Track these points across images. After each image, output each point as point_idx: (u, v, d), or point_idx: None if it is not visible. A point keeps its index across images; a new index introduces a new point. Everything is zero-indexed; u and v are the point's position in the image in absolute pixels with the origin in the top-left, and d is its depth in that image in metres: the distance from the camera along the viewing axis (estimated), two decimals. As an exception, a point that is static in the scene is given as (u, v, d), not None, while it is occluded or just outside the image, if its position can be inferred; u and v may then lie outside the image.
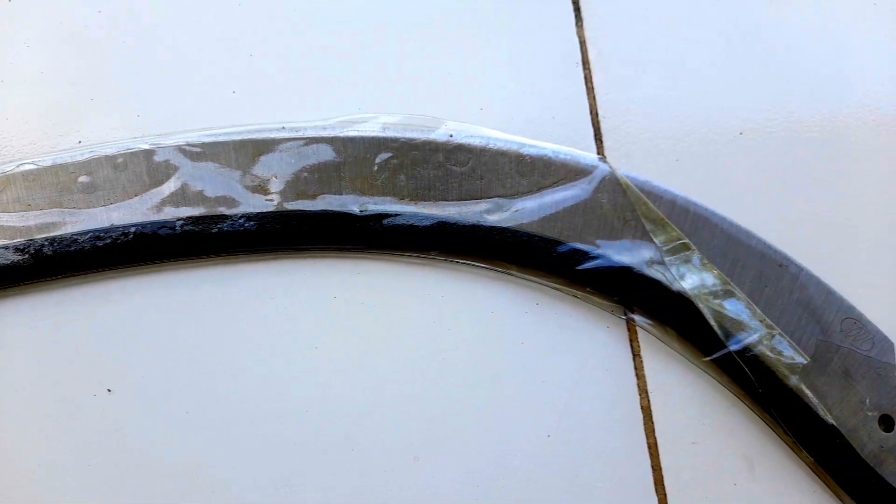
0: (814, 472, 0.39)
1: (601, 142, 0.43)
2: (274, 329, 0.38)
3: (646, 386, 0.40)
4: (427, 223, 0.40)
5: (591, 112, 0.44)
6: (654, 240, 0.40)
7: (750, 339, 0.39)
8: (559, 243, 0.40)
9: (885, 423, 0.39)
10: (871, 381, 0.40)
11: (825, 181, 0.43)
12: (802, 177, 0.43)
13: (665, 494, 0.38)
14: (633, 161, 0.43)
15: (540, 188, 0.41)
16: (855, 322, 0.41)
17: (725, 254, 0.41)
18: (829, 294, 0.41)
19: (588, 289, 0.40)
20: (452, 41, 0.43)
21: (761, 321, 0.40)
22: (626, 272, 0.40)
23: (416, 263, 0.40)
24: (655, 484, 0.38)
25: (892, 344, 0.40)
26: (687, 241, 0.41)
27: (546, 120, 0.43)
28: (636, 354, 0.40)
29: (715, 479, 0.39)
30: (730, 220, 0.42)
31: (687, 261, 0.40)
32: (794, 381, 0.39)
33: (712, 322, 0.39)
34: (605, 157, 0.43)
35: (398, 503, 0.37)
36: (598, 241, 0.40)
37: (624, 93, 0.44)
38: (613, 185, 0.41)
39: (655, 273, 0.40)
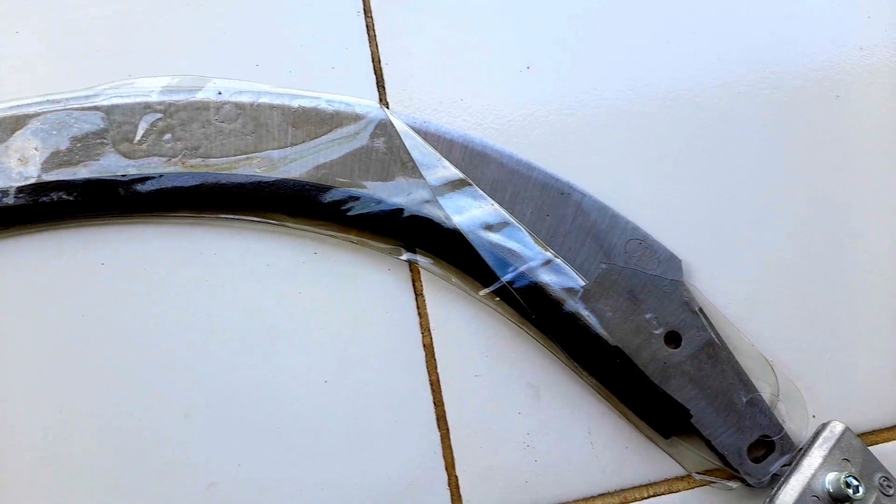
0: (600, 394, 0.39)
1: (384, 88, 0.43)
2: (40, 301, 0.38)
3: (428, 324, 0.39)
4: (193, 182, 0.39)
5: (373, 60, 0.43)
6: (429, 179, 0.40)
7: (524, 267, 0.39)
8: (331, 190, 0.40)
9: (672, 339, 0.39)
10: (657, 300, 0.40)
11: (610, 108, 0.43)
12: (587, 105, 0.43)
13: (448, 429, 0.38)
14: (416, 104, 0.43)
15: (314, 138, 0.40)
16: (640, 243, 0.41)
17: (506, 187, 0.41)
18: (613, 218, 0.41)
19: (366, 233, 0.40)
20: None
21: (541, 250, 0.40)
22: (400, 213, 0.40)
23: (187, 224, 0.40)
24: (438, 419, 0.38)
25: (679, 261, 0.40)
26: (463, 177, 0.40)
27: (326, 71, 0.43)
28: (419, 294, 0.40)
29: (499, 410, 0.38)
30: (510, 153, 0.41)
31: (462, 197, 0.40)
32: (572, 305, 0.39)
33: (485, 255, 0.39)
34: (386, 103, 0.42)
35: (168, 461, 0.37)
36: (371, 185, 0.40)
37: (406, 38, 0.44)
38: (389, 130, 0.41)
39: (431, 212, 0.40)
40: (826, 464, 0.36)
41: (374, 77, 0.43)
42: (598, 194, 0.41)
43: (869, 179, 0.42)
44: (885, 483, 0.37)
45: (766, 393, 0.39)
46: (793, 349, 0.40)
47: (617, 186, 0.42)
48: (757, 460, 0.39)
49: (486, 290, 0.39)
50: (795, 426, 0.39)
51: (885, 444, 0.40)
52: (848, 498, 0.35)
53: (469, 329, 0.39)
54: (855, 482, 0.35)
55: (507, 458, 0.38)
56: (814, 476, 0.36)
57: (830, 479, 0.36)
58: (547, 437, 0.38)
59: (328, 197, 0.39)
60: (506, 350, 0.39)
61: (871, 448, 0.40)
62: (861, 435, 0.40)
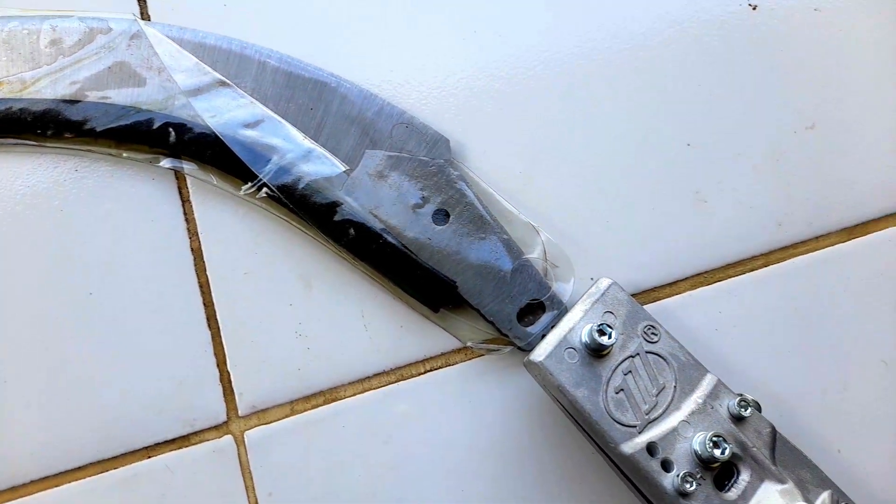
0: (372, 277, 0.39)
1: (145, 2, 0.42)
2: None
3: (196, 228, 0.39)
4: (-60, 110, 0.39)
5: (136, -24, 0.43)
6: (183, 84, 0.40)
7: (284, 161, 0.39)
8: (81, 104, 0.39)
9: (440, 217, 0.40)
10: (424, 180, 0.40)
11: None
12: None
13: (218, 327, 0.38)
14: (180, 14, 0.42)
15: (67, 56, 0.40)
16: (406, 126, 0.41)
17: (268, 85, 0.41)
18: (381, 106, 0.41)
19: (125, 145, 0.40)
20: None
21: (302, 142, 0.40)
22: (154, 121, 0.39)
23: (-59, 153, 0.39)
24: (208, 319, 0.38)
25: (447, 141, 0.41)
26: (221, 78, 0.40)
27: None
28: (185, 200, 0.40)
29: (270, 304, 0.39)
30: (272, 52, 0.41)
31: (219, 98, 0.40)
32: (334, 194, 0.39)
33: (240, 152, 0.39)
34: (147, 16, 0.42)
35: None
36: (123, 95, 0.40)
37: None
38: (143, 40, 0.40)
39: (187, 116, 0.40)
40: (586, 317, 0.37)
41: (141, -7, 0.42)
42: (368, 84, 0.41)
43: (626, 36, 0.43)
44: (650, 331, 0.37)
45: (536, 260, 0.39)
46: (570, 218, 0.41)
47: (389, 74, 0.42)
48: (531, 325, 0.39)
49: (246, 188, 0.39)
50: (566, 288, 0.40)
51: (665, 300, 0.41)
52: (601, 346, 0.35)
53: (237, 229, 0.39)
54: (608, 329, 0.36)
55: (279, 349, 0.38)
56: (572, 330, 0.36)
57: (586, 330, 0.36)
58: (319, 325, 0.39)
59: (79, 112, 0.39)
60: (275, 246, 0.39)
61: (651, 305, 0.40)
62: (642, 293, 0.41)
